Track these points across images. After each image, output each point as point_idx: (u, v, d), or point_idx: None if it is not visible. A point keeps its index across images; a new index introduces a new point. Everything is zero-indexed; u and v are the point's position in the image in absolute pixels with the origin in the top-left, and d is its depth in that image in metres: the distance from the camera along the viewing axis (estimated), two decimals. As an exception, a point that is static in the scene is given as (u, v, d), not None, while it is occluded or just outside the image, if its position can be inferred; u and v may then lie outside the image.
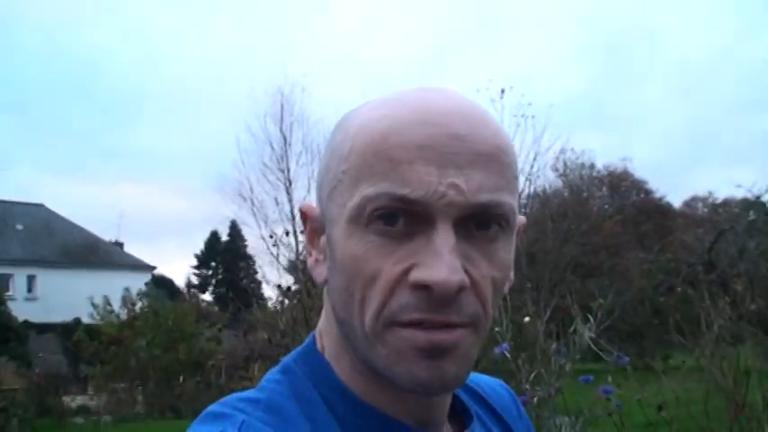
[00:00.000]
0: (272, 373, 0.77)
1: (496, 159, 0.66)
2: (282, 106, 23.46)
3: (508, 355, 3.70)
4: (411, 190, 0.63)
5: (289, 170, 23.72)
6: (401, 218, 0.65)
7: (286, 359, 0.78)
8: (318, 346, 0.77)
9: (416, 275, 0.64)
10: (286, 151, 23.72)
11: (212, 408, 0.70)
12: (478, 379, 0.92)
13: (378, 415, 0.72)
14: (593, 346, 3.84)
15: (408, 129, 0.65)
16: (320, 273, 0.74)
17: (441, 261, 0.62)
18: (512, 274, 0.73)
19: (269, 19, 47.64)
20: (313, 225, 0.76)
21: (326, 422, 0.71)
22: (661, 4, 46.05)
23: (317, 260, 0.75)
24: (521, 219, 0.75)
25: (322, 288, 0.77)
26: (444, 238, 0.64)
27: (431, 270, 0.63)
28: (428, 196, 0.63)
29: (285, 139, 23.70)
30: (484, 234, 0.67)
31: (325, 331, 0.77)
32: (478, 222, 0.66)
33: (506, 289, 0.72)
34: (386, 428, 0.72)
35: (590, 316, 3.92)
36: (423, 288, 0.63)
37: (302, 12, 49.84)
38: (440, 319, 0.64)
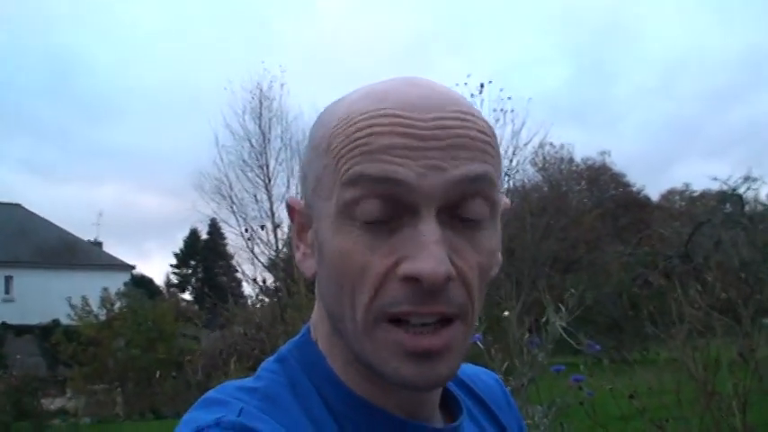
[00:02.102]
0: (269, 362, 0.77)
1: (477, 141, 0.67)
2: (261, 102, 23.37)
3: (481, 345, 3.73)
4: (393, 173, 0.64)
5: (268, 167, 23.66)
6: (385, 210, 0.65)
7: (281, 349, 0.79)
8: (313, 336, 0.78)
9: (405, 268, 0.64)
10: (265, 148, 23.65)
11: (210, 394, 0.71)
12: (468, 369, 0.93)
13: (369, 406, 0.73)
14: (564, 335, 3.87)
15: (388, 119, 0.66)
16: (309, 267, 0.75)
17: (428, 253, 0.63)
18: (499, 255, 0.74)
19: (247, 14, 47.37)
20: (300, 219, 0.77)
21: (320, 413, 0.72)
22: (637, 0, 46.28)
23: (304, 254, 0.76)
24: (505, 201, 0.76)
25: (311, 281, 0.77)
26: (429, 228, 0.64)
27: (418, 262, 0.63)
28: (410, 177, 0.64)
29: (264, 135, 23.63)
30: (468, 222, 0.67)
31: (317, 324, 0.78)
32: (462, 210, 0.67)
33: (495, 272, 0.73)
34: (377, 420, 0.73)
35: (561, 306, 3.96)
36: (411, 280, 0.64)
37: (281, 6, 49.72)
38: (429, 311, 0.65)
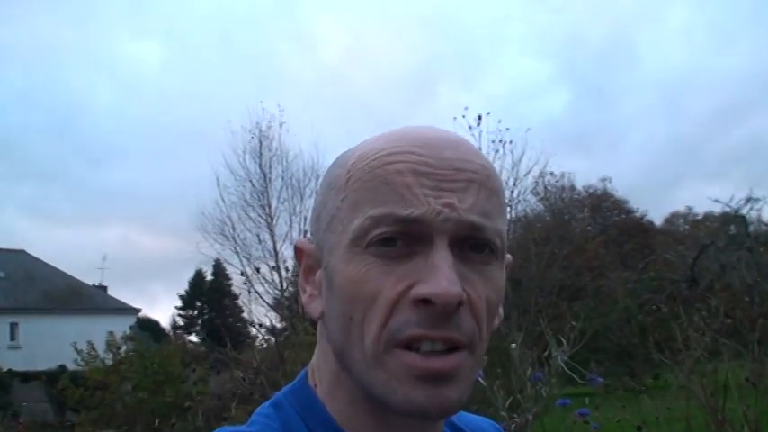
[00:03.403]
0: (264, 407, 0.78)
1: (486, 186, 0.71)
2: (261, 142, 23.45)
3: (483, 382, 3.68)
4: (412, 210, 0.67)
5: (270, 206, 23.67)
6: (399, 240, 0.68)
7: (277, 394, 0.80)
8: (310, 381, 0.78)
9: (417, 290, 0.66)
10: (266, 187, 23.66)
11: None
12: (466, 418, 0.92)
13: None
14: (565, 368, 3.83)
15: (405, 156, 0.70)
16: (316, 307, 0.76)
17: (440, 274, 0.65)
18: (501, 310, 0.76)
19: (247, 52, 47.83)
20: (308, 261, 0.79)
21: None
22: (636, 23, 46.67)
23: (311, 295, 0.78)
24: (508, 257, 0.78)
25: (317, 321, 0.78)
26: (442, 254, 0.67)
27: (431, 284, 0.65)
28: (427, 214, 0.67)
29: (265, 175, 23.65)
30: (478, 256, 0.70)
31: (318, 366, 0.78)
32: (472, 245, 0.69)
33: (497, 321, 0.75)
34: None
35: (562, 339, 3.92)
36: (423, 303, 0.66)
37: (281, 45, 50.20)
38: (440, 335, 0.66)
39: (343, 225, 0.71)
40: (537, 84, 45.25)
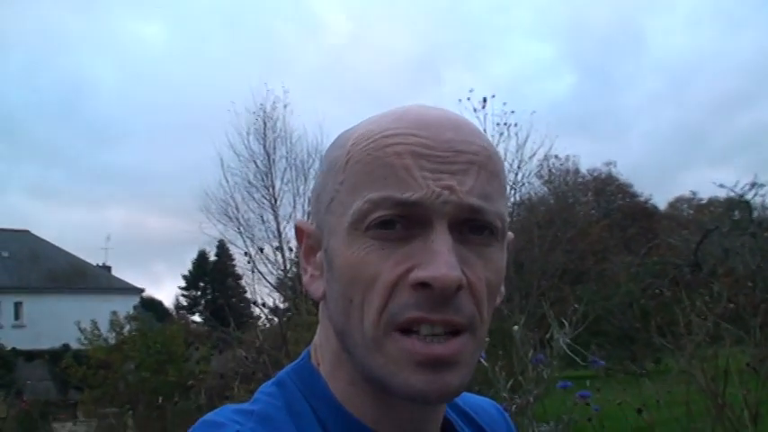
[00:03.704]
0: (267, 385, 0.78)
1: (486, 167, 0.70)
2: (265, 123, 23.40)
3: (485, 363, 3.69)
4: (411, 193, 0.67)
5: (274, 187, 23.67)
6: (398, 223, 0.67)
7: (281, 373, 0.80)
8: (313, 360, 0.78)
9: (416, 274, 0.66)
10: (270, 168, 23.65)
11: (207, 417, 0.72)
12: (468, 399, 0.92)
13: (366, 430, 0.73)
14: (567, 351, 3.84)
15: (405, 138, 0.69)
16: (317, 288, 0.76)
17: (440, 258, 0.65)
18: (503, 288, 0.76)
19: (252, 33, 47.68)
20: (309, 242, 0.78)
21: None
22: (643, 8, 46.39)
23: (312, 276, 0.77)
24: (509, 236, 0.77)
25: (319, 302, 0.78)
26: (441, 238, 0.66)
27: (430, 268, 0.65)
28: (426, 197, 0.67)
29: (269, 155, 23.62)
30: (478, 238, 0.69)
31: (321, 346, 0.78)
32: (472, 227, 0.69)
33: (498, 300, 0.75)
34: None
35: (564, 321, 3.92)
36: (422, 287, 0.65)
37: (286, 25, 50.01)
38: (439, 319, 0.66)
39: (343, 207, 0.70)
40: (542, 66, 45.15)
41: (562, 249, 20.97)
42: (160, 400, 12.41)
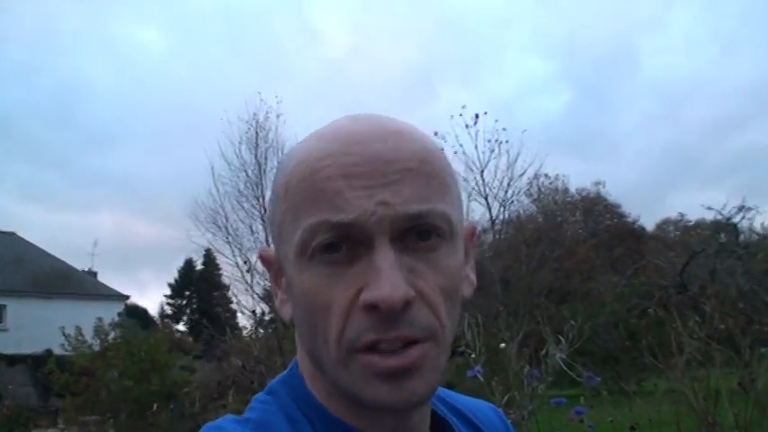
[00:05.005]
0: (260, 395, 0.80)
1: (420, 171, 0.70)
2: (257, 133, 23.39)
3: (481, 378, 3.71)
4: (345, 215, 0.67)
5: (264, 198, 23.60)
6: (343, 245, 0.68)
7: (272, 382, 0.82)
8: (300, 370, 0.80)
9: (363, 297, 0.66)
10: (261, 178, 23.60)
11: (209, 425, 0.74)
12: (467, 401, 0.94)
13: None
14: (564, 366, 3.86)
15: (335, 159, 0.69)
16: (287, 312, 0.77)
17: (383, 278, 0.65)
18: (472, 276, 0.78)
19: (248, 42, 47.72)
20: (275, 267, 0.79)
21: None
22: (638, 28, 46.84)
23: (282, 300, 0.78)
24: (468, 225, 0.78)
25: (291, 325, 0.79)
26: (383, 255, 0.66)
27: (375, 290, 0.66)
28: (360, 217, 0.67)
29: (260, 166, 23.58)
30: (425, 244, 0.69)
31: (301, 360, 0.80)
32: (418, 234, 0.69)
33: (468, 292, 0.77)
34: None
35: (561, 337, 3.95)
36: (372, 308, 0.66)
37: (284, 34, 50.09)
38: (393, 336, 0.67)
39: (289, 235, 0.71)
40: (537, 84, 45.61)
41: (549, 268, 21.03)
42: (155, 407, 12.30)
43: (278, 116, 23.20)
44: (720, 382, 4.88)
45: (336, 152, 0.69)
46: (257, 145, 23.44)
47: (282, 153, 23.51)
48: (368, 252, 0.67)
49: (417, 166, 0.69)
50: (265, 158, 23.56)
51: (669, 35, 48.45)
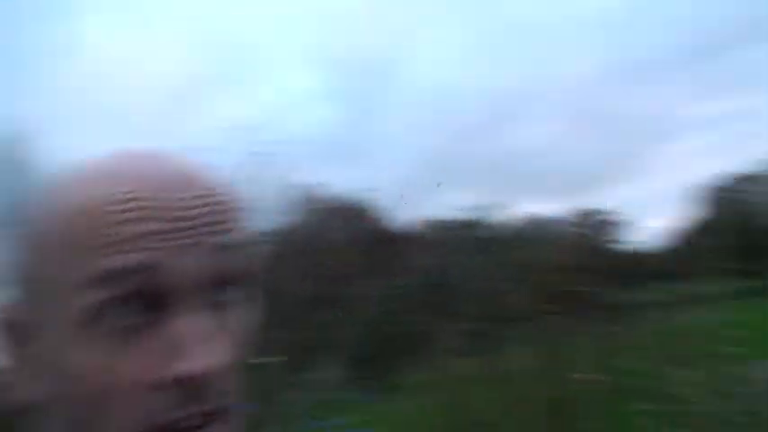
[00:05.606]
0: None
1: (226, 217, 0.61)
2: None
3: (248, 415, 3.51)
4: (137, 271, 0.56)
5: None
6: (135, 307, 0.56)
7: None
8: None
9: (160, 373, 0.56)
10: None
11: None
12: None
13: None
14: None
15: (133, 202, 0.57)
16: (30, 392, 0.62)
17: (183, 351, 0.56)
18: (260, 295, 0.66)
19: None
20: (15, 331, 0.62)
21: None
22: (402, 42, 49.33)
23: (23, 376, 0.62)
24: (255, 267, 0.66)
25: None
26: (184, 323, 0.57)
27: (175, 363, 0.56)
28: (167, 267, 0.56)
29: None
30: (224, 303, 0.60)
31: None
32: (215, 285, 0.59)
33: (258, 313, 0.66)
34: None
35: (328, 349, 3.88)
36: (170, 384, 0.56)
37: (38, 44, 46.49)
38: (195, 410, 0.56)
39: (64, 295, 0.57)
40: (305, 96, 46.29)
41: (312, 276, 21.25)
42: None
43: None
44: (473, 372, 5.09)
45: (132, 194, 0.57)
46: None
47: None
48: (166, 318, 0.57)
49: (222, 211, 0.61)
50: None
51: (430, 46, 51.36)
